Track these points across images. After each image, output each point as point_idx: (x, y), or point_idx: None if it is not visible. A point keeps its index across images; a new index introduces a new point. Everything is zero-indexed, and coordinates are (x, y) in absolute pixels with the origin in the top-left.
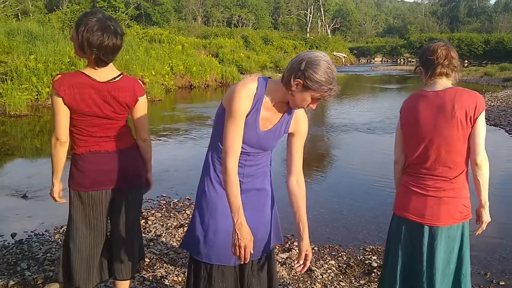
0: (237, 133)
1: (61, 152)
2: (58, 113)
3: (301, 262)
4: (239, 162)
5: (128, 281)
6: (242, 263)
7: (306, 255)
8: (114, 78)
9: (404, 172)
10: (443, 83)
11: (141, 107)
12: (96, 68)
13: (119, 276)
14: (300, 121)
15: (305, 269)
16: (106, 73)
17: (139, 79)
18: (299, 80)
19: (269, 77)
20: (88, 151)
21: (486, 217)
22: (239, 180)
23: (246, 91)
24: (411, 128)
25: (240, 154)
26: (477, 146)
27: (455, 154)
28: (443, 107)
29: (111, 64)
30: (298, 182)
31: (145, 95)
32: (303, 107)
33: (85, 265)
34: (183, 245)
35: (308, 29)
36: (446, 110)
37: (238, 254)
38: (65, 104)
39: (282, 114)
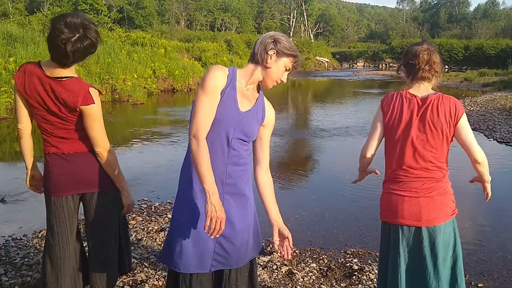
0: (209, 108)
1: (20, 139)
2: (15, 99)
3: (292, 246)
4: (223, 159)
5: None
6: (213, 237)
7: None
8: (62, 78)
9: (385, 180)
10: (425, 88)
11: (88, 117)
12: (52, 62)
13: (93, 286)
14: (269, 112)
15: (290, 252)
16: (58, 71)
17: (97, 89)
18: (273, 50)
19: None
20: (48, 153)
21: (489, 189)
22: (222, 180)
23: (220, 70)
24: (394, 131)
25: (222, 147)
26: (472, 147)
27: (441, 158)
28: (429, 116)
29: (72, 67)
30: (267, 174)
31: (94, 105)
32: (276, 82)
33: (55, 272)
34: (164, 258)
35: (291, 34)
36: (433, 119)
37: (213, 227)
38: (18, 89)
39: (255, 99)
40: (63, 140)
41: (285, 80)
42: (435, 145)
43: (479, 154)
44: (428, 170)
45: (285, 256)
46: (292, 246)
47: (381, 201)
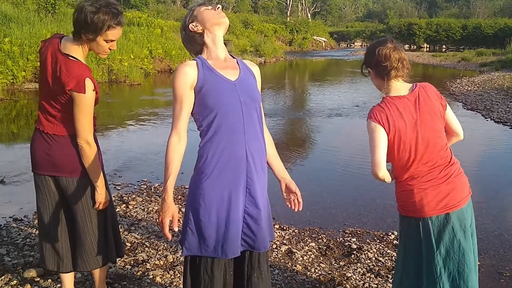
0: (181, 111)
1: None
2: None
3: (300, 200)
4: (241, 139)
5: (96, 270)
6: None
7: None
8: (70, 56)
9: (398, 180)
10: (402, 84)
11: (76, 106)
12: (69, 37)
13: (76, 266)
14: (254, 68)
15: (299, 206)
16: (70, 48)
17: (94, 83)
18: (189, 23)
19: None
20: (36, 127)
21: None
22: (246, 160)
23: (185, 66)
24: (403, 138)
25: (237, 127)
26: (459, 128)
27: (444, 139)
28: (425, 104)
29: (83, 53)
30: (266, 131)
31: (84, 95)
32: (219, 18)
33: (43, 246)
34: (189, 250)
35: (288, 13)
36: (429, 105)
37: (162, 227)
38: (39, 52)
39: (237, 63)
40: (49, 118)
41: (219, 10)
42: (438, 130)
43: (462, 134)
44: (440, 156)
45: (295, 209)
46: (300, 200)
47: (400, 198)
